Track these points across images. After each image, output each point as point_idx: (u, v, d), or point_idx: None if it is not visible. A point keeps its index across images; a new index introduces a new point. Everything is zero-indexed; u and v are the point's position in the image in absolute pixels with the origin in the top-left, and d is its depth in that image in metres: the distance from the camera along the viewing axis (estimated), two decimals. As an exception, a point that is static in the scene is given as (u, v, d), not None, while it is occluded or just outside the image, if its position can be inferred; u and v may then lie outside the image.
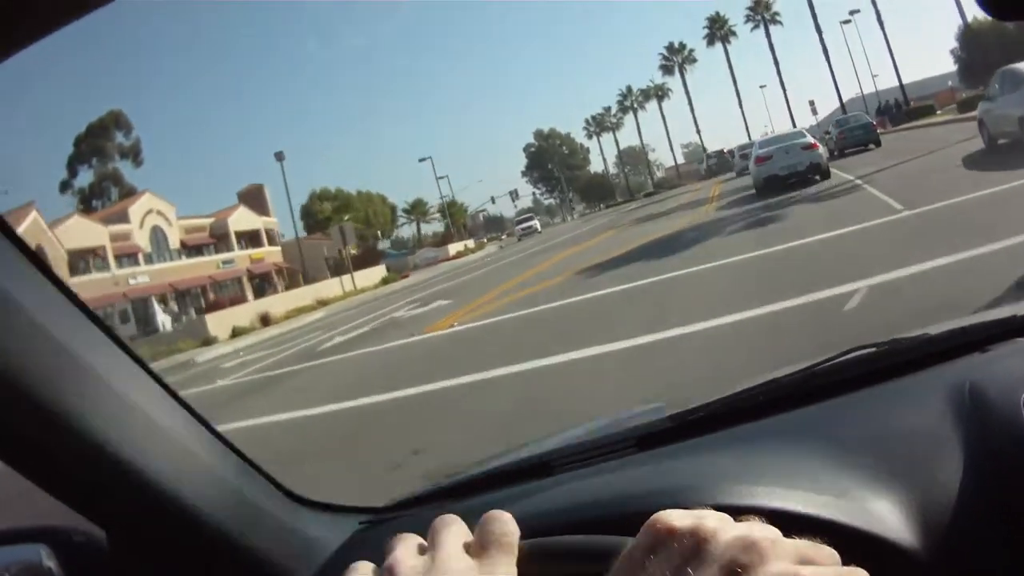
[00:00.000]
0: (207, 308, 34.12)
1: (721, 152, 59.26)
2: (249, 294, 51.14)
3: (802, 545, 0.44)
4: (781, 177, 18.39)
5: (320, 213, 65.19)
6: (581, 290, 11.57)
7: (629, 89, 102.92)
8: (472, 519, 0.50)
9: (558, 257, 21.32)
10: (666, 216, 24.65)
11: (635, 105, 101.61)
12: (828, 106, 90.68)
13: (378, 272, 45.95)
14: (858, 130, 26.27)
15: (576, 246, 23.86)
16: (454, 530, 0.51)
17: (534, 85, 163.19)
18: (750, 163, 21.57)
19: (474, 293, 16.75)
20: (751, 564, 0.41)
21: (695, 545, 0.43)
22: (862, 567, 0.43)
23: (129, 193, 54.73)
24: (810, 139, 19.23)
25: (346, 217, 56.91)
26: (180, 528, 0.84)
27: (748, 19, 77.21)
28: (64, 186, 58.49)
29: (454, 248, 57.54)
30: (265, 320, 30.22)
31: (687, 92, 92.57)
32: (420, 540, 0.51)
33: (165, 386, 0.87)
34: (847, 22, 63.53)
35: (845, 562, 0.48)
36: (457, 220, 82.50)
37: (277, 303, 34.37)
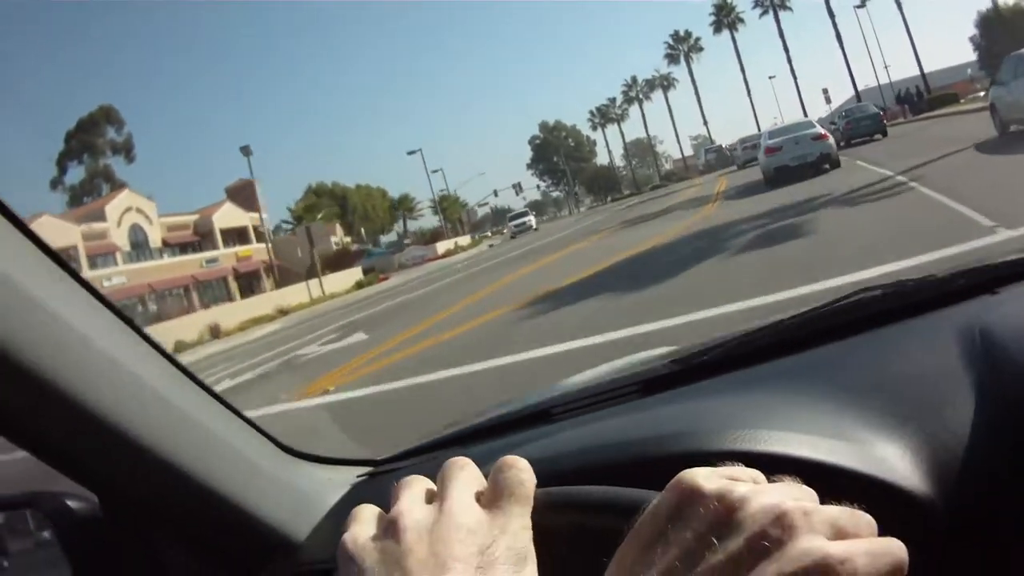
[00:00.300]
0: (155, 318, 30.37)
1: (720, 148, 56.02)
2: (236, 294, 47.64)
3: (838, 514, 0.41)
4: (792, 168, 17.94)
5: (296, 211, 61.42)
6: (501, 345, 7.86)
7: (634, 79, 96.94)
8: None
9: (527, 269, 17.88)
10: (663, 217, 21.22)
11: (640, 96, 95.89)
12: (842, 95, 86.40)
13: (354, 274, 42.09)
14: (865, 120, 26.54)
15: (555, 253, 20.46)
16: (465, 477, 0.47)
17: (539, 77, 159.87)
18: (759, 154, 20.82)
19: (403, 323, 13.27)
20: (780, 539, 0.38)
21: (723, 512, 0.40)
22: (871, 513, 0.43)
23: (120, 190, 51.36)
24: (820, 129, 18.85)
25: (319, 215, 53.25)
26: (171, 486, 0.82)
27: (756, 4, 72.98)
28: (54, 183, 55.36)
29: (444, 246, 53.44)
30: (215, 332, 26.53)
31: (693, 82, 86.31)
32: (429, 485, 0.48)
33: (150, 340, 0.83)
34: (861, 6, 58.72)
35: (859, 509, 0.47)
36: (452, 215, 78.58)
37: (238, 311, 30.57)
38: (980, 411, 0.67)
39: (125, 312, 0.80)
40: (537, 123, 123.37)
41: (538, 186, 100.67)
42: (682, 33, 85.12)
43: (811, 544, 0.38)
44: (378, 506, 0.47)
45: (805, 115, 52.17)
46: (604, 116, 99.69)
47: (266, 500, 0.91)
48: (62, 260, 0.74)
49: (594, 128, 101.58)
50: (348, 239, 61.57)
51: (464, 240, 58.63)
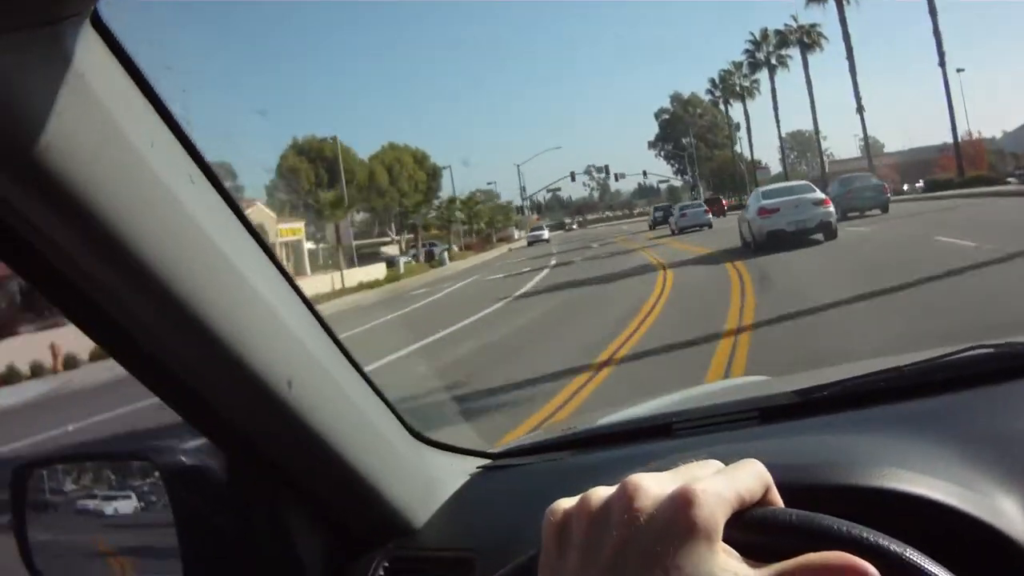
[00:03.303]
0: None
1: (668, 206, 46.63)
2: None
3: (683, 469, 0.44)
4: (788, 234, 16.77)
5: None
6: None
7: (764, 33, 60.40)
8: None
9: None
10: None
11: (769, 59, 60.15)
12: None
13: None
14: (867, 192, 25.09)
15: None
16: None
17: (671, 31, 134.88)
18: (749, 214, 18.64)
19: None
20: (637, 505, 0.41)
21: (586, 517, 0.43)
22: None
23: None
24: (820, 194, 18.16)
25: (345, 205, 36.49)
26: (309, 454, 0.85)
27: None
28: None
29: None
30: None
31: (846, 36, 47.73)
32: None
33: (312, 309, 0.85)
34: None
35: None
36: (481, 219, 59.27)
37: None
38: None
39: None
40: (669, 94, 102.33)
41: (644, 172, 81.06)
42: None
43: (669, 492, 0.40)
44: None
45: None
46: (727, 88, 69.97)
47: (394, 481, 0.94)
48: (253, 228, 0.76)
49: (715, 104, 77.27)
50: (294, 228, 39.60)
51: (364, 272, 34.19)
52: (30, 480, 1.04)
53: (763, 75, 62.64)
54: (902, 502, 0.67)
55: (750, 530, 0.41)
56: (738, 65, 66.74)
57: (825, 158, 62.97)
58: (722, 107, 74.68)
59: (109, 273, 0.65)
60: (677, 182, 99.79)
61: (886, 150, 63.78)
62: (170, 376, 0.75)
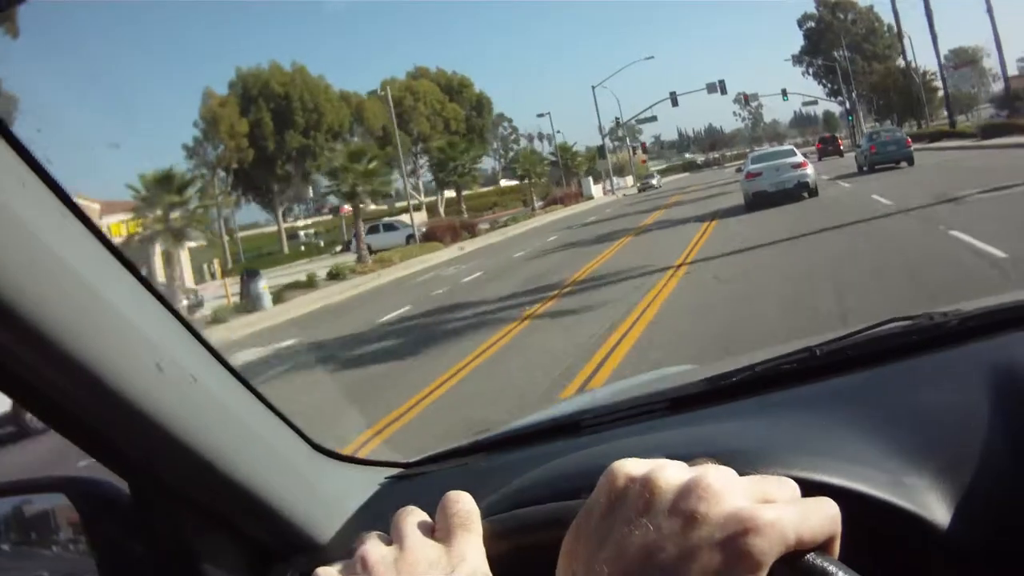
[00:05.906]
0: None
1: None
2: None
3: (761, 482, 0.43)
4: (770, 194, 19.15)
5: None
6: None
7: None
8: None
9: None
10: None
11: None
12: None
13: None
14: (891, 145, 25.71)
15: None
16: (413, 519, 0.52)
17: None
18: (742, 177, 22.16)
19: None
20: (700, 508, 0.40)
21: (648, 493, 0.43)
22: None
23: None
24: (800, 158, 20.23)
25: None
26: (204, 477, 0.84)
27: None
28: None
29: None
30: None
31: None
32: (423, 516, 0.52)
33: (193, 331, 0.85)
34: None
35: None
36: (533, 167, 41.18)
37: None
38: (1007, 448, 0.67)
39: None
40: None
41: (783, 92, 62.77)
42: None
43: (738, 509, 0.39)
44: (403, 506, 0.53)
45: None
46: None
47: (295, 497, 0.93)
48: (116, 250, 0.76)
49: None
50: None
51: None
52: None
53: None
54: (808, 490, 0.65)
55: (794, 574, 0.40)
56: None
57: (990, 78, 42.70)
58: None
59: None
60: (833, 106, 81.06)
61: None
62: (48, 400, 0.74)
